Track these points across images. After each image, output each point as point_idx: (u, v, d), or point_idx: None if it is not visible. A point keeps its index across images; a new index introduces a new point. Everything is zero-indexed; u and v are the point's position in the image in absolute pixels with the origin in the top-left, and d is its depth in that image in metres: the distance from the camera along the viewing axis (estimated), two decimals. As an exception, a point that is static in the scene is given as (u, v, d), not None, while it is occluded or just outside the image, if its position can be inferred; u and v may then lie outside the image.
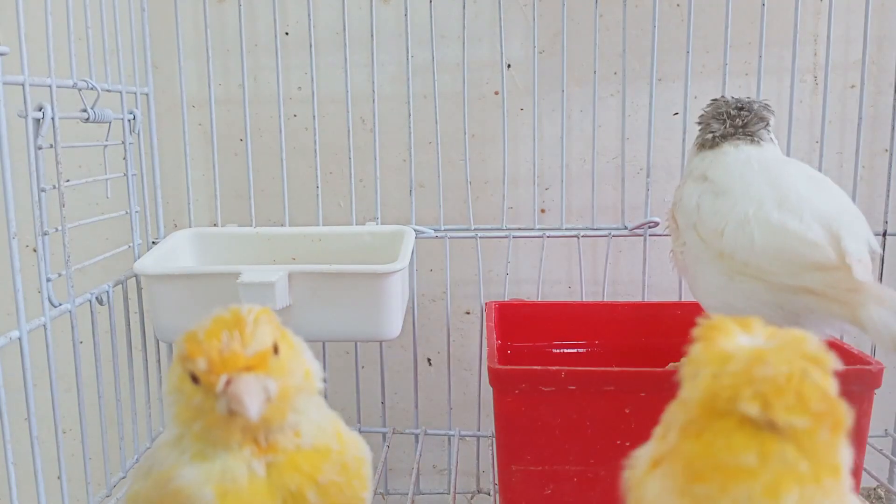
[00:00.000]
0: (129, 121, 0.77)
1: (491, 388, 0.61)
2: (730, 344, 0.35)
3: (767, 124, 0.67)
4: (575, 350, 0.80)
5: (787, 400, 0.31)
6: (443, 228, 0.87)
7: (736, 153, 0.65)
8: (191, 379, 0.38)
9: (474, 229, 0.88)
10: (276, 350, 0.39)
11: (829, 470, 0.32)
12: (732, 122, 0.66)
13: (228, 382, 0.37)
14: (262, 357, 0.38)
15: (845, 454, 0.33)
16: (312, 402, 0.42)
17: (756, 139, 0.66)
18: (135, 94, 0.80)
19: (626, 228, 0.87)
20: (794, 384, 0.32)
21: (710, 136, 0.67)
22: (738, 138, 0.66)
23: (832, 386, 0.33)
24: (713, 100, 0.70)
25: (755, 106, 0.67)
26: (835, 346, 0.65)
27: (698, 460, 0.33)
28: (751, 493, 0.31)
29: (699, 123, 0.70)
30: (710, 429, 0.33)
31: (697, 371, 0.34)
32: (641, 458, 0.37)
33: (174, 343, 0.40)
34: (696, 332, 0.36)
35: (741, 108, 0.67)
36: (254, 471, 0.39)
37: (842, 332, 0.60)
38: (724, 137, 0.66)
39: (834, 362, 0.33)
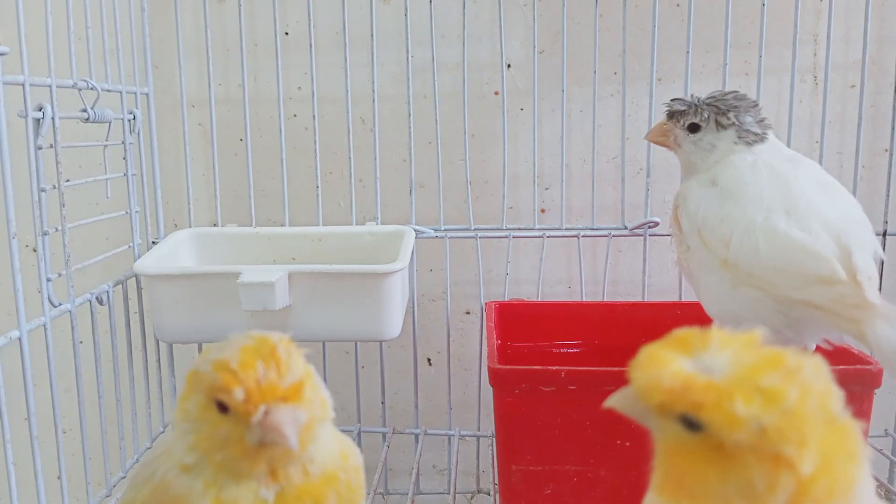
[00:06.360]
0: (129, 121, 0.77)
1: (491, 388, 0.62)
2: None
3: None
4: (575, 350, 0.80)
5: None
6: (443, 228, 0.87)
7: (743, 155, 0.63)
8: (217, 408, 0.38)
9: (474, 229, 0.88)
10: None
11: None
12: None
13: (266, 413, 0.37)
14: (297, 388, 0.38)
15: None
16: (325, 429, 0.42)
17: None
18: (135, 94, 0.80)
19: (626, 228, 0.87)
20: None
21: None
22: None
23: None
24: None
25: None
26: (835, 347, 0.65)
27: None
28: None
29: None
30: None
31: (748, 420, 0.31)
32: None
33: (194, 369, 0.39)
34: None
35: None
36: (262, 498, 0.39)
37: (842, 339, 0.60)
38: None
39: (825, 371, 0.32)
